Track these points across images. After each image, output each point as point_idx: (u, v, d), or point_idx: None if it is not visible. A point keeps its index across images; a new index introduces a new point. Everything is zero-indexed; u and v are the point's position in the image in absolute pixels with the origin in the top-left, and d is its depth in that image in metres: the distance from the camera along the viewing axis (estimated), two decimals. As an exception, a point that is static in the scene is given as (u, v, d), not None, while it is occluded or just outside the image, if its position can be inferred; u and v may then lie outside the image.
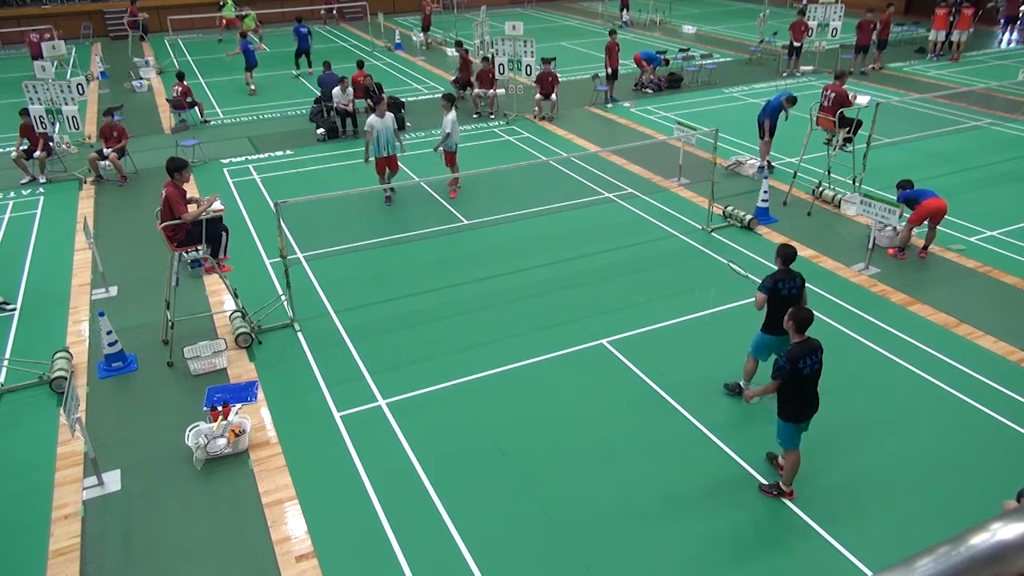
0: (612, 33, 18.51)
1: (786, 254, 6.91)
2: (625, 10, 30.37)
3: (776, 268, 7.00)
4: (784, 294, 6.72)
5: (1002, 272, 9.85)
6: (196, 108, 17.58)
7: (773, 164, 13.59)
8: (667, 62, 20.40)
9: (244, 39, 20.48)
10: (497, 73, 17.22)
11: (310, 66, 21.55)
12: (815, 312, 8.86)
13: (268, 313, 8.98)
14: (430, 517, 6.14)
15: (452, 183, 12.91)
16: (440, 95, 13.18)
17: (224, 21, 28.02)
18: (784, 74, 20.70)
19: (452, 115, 12.45)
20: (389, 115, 12.14)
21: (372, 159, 12.29)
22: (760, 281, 7.03)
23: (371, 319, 9.10)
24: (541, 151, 14.98)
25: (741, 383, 7.46)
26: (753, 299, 7.17)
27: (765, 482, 6.37)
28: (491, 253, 10.73)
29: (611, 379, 7.86)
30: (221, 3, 27.66)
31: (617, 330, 8.66)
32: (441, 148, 12.73)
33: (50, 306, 9.64)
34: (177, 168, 8.34)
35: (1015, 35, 26.40)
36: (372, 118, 12.00)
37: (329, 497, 6.40)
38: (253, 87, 20.33)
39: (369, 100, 16.58)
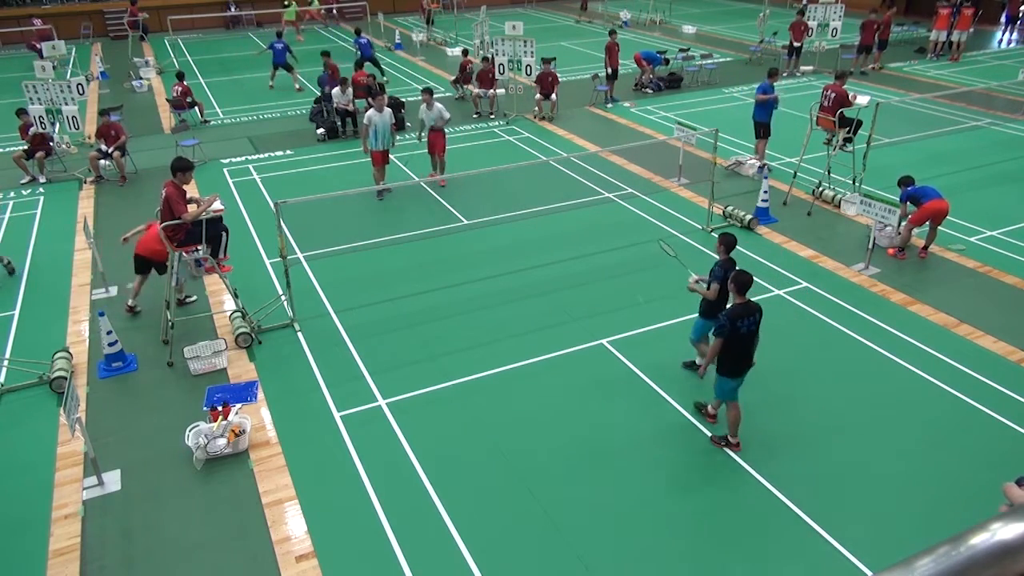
0: (612, 33, 18.51)
1: (728, 242, 7.13)
2: (583, 9, 31.52)
3: (720, 257, 7.16)
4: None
5: (1002, 272, 9.85)
6: (196, 108, 17.58)
7: (770, 165, 13.56)
8: (667, 62, 20.40)
9: (279, 37, 20.58)
10: (497, 73, 17.22)
11: (383, 74, 20.99)
12: (815, 312, 8.92)
13: (268, 313, 8.98)
14: (430, 517, 6.14)
15: (437, 174, 13.26)
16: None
17: (288, 23, 27.62)
18: (784, 74, 20.69)
19: (425, 106, 12.86)
20: (388, 111, 12.38)
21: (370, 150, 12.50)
22: (702, 276, 7.31)
23: (371, 319, 9.10)
24: (541, 151, 14.98)
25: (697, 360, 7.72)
26: (691, 282, 7.35)
27: (710, 433, 6.93)
28: (491, 253, 10.73)
29: (611, 379, 7.85)
30: (286, 3, 27.51)
31: (617, 330, 8.65)
32: (424, 134, 13.15)
33: (50, 306, 9.64)
34: (183, 168, 8.35)
35: (1015, 35, 26.39)
36: (371, 112, 12.20)
37: (329, 497, 6.40)
38: (272, 83, 20.75)
39: (370, 100, 16.55)
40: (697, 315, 7.49)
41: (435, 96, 13.17)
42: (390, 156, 12.88)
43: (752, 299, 6.36)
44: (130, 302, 9.33)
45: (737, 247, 7.27)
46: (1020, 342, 8.29)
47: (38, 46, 23.93)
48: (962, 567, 1.03)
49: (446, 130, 13.32)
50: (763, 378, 7.75)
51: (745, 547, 5.85)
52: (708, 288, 7.15)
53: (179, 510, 6.33)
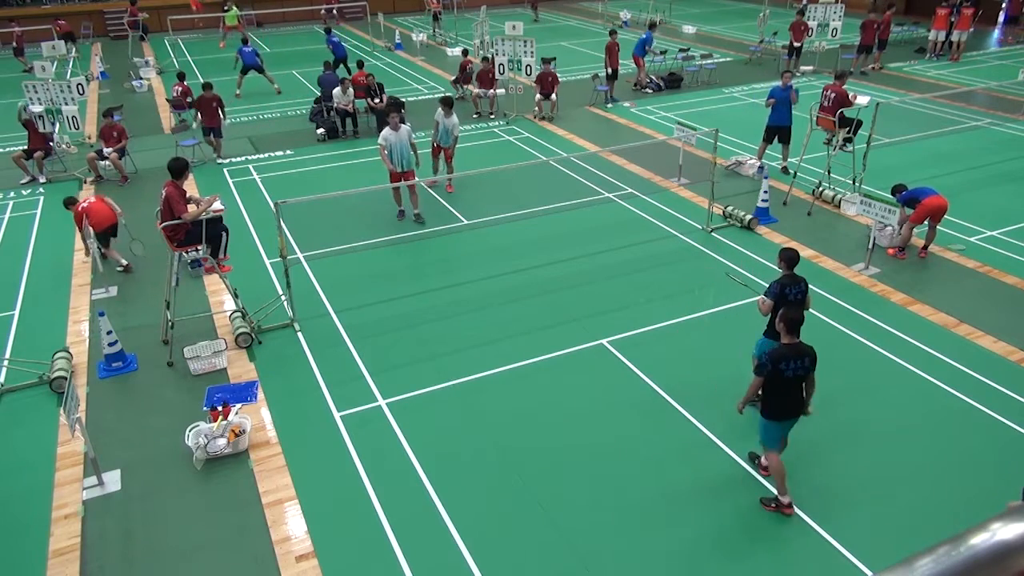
0: (612, 33, 18.53)
1: (790, 258, 6.75)
2: (534, 10, 32.01)
3: (781, 272, 6.79)
4: (791, 299, 6.50)
5: (1002, 272, 9.85)
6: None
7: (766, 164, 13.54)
8: (662, 53, 20.40)
9: (244, 44, 20.42)
10: (497, 73, 17.22)
11: (349, 73, 20.62)
12: (815, 313, 8.91)
13: (268, 313, 8.98)
14: (430, 517, 6.14)
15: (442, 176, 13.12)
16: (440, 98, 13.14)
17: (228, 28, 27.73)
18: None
19: (443, 113, 12.51)
20: (405, 128, 11.08)
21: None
22: (766, 286, 6.84)
23: (371, 319, 9.10)
24: (541, 151, 14.98)
25: None
26: (757, 300, 6.85)
27: (768, 492, 6.37)
28: (491, 253, 10.73)
29: (611, 379, 7.85)
30: (226, 8, 27.37)
31: (617, 330, 8.65)
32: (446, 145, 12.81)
33: (50, 306, 9.64)
34: (180, 169, 8.37)
35: (999, 34, 26.18)
36: (386, 131, 11.07)
37: (329, 497, 6.40)
38: (238, 92, 19.89)
39: (370, 100, 16.60)
40: (762, 335, 6.86)
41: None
42: (415, 176, 11.54)
43: (804, 342, 5.79)
44: (122, 261, 10.39)
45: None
46: (1020, 342, 8.29)
47: (22, 45, 23.97)
48: (962, 567, 1.03)
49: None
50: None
51: (737, 540, 5.85)
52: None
53: (179, 510, 6.33)
